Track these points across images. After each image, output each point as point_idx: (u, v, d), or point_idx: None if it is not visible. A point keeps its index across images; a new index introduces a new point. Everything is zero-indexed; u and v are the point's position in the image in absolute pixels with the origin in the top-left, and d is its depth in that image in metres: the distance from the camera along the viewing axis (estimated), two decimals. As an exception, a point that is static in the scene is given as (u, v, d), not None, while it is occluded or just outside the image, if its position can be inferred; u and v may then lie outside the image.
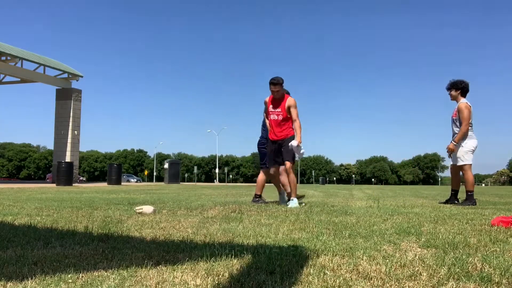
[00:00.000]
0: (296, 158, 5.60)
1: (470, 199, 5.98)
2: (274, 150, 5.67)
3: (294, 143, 5.40)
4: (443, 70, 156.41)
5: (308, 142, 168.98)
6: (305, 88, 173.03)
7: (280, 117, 5.60)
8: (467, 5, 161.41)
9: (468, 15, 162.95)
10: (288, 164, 5.59)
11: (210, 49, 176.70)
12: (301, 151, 5.47)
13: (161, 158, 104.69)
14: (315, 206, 5.70)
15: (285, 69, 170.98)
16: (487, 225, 3.37)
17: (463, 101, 6.02)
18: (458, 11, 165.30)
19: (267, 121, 5.78)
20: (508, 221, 3.25)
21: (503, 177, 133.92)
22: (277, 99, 5.63)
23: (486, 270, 1.78)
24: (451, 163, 6.26)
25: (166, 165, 30.33)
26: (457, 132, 6.01)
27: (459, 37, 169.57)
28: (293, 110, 5.56)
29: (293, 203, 5.49)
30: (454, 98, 6.14)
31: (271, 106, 5.66)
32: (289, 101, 5.58)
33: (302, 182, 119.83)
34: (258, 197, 6.52)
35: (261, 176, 6.51)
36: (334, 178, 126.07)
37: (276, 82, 5.52)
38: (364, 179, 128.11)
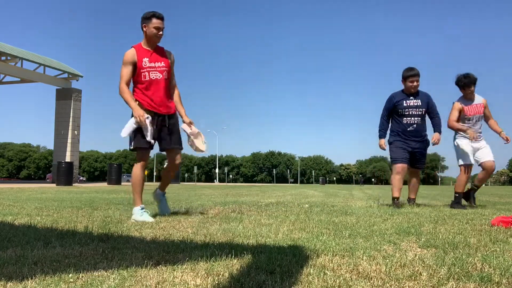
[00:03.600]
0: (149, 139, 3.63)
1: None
2: (157, 128, 3.73)
3: (187, 128, 3.89)
4: (442, 70, 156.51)
5: (309, 142, 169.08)
6: (306, 88, 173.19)
7: (165, 76, 3.73)
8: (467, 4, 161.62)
9: (468, 13, 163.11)
10: (179, 155, 3.86)
11: (211, 49, 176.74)
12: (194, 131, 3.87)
13: (161, 158, 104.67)
14: (315, 206, 5.70)
15: (286, 69, 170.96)
16: (487, 225, 3.37)
17: (480, 96, 5.65)
18: (459, 10, 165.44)
19: (125, 88, 3.65)
20: (508, 221, 3.25)
21: (503, 177, 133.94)
22: (155, 50, 3.75)
23: (486, 270, 1.78)
24: (471, 163, 5.57)
25: (166, 165, 30.38)
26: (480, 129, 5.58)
27: (459, 37, 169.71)
28: (173, 68, 3.87)
29: (137, 215, 3.58)
30: (472, 94, 5.61)
31: (146, 59, 3.67)
32: (170, 53, 3.84)
33: (302, 182, 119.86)
34: (397, 199, 5.52)
35: (398, 175, 5.50)
36: (334, 178, 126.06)
37: (163, 18, 3.72)
38: (364, 179, 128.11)
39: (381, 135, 5.70)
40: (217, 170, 64.35)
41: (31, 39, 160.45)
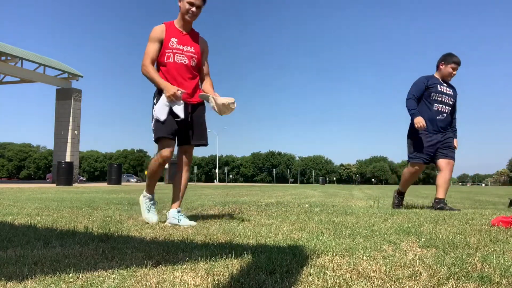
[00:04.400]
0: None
1: None
2: (184, 119, 3.25)
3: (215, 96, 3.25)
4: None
5: (309, 142, 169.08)
6: (306, 88, 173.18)
7: (194, 63, 3.34)
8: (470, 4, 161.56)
9: (467, 15, 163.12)
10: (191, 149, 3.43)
11: (210, 49, 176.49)
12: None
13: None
14: (315, 206, 5.70)
15: (286, 69, 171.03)
16: (487, 225, 3.37)
17: None
18: (461, 10, 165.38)
19: (149, 65, 3.25)
20: (508, 221, 3.25)
21: (503, 177, 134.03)
22: (188, 33, 3.37)
23: (486, 270, 1.78)
24: None
25: (166, 165, 30.43)
26: None
27: (459, 37, 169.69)
28: (206, 58, 3.51)
29: (146, 211, 3.42)
30: None
31: (174, 40, 3.28)
32: (204, 41, 3.48)
33: (302, 182, 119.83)
34: (402, 195, 5.31)
35: (410, 171, 5.07)
36: (334, 178, 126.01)
37: None
38: (364, 179, 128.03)
39: (416, 113, 4.89)
40: (217, 170, 64.41)
41: (31, 39, 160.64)
